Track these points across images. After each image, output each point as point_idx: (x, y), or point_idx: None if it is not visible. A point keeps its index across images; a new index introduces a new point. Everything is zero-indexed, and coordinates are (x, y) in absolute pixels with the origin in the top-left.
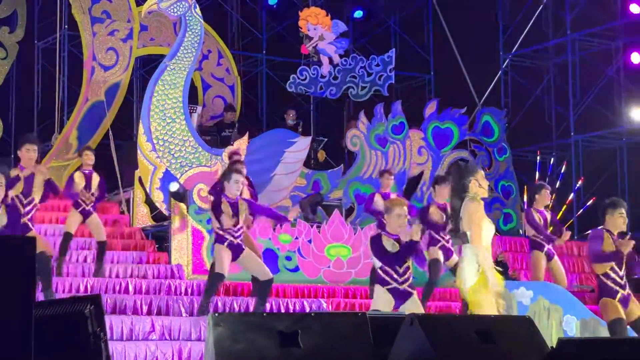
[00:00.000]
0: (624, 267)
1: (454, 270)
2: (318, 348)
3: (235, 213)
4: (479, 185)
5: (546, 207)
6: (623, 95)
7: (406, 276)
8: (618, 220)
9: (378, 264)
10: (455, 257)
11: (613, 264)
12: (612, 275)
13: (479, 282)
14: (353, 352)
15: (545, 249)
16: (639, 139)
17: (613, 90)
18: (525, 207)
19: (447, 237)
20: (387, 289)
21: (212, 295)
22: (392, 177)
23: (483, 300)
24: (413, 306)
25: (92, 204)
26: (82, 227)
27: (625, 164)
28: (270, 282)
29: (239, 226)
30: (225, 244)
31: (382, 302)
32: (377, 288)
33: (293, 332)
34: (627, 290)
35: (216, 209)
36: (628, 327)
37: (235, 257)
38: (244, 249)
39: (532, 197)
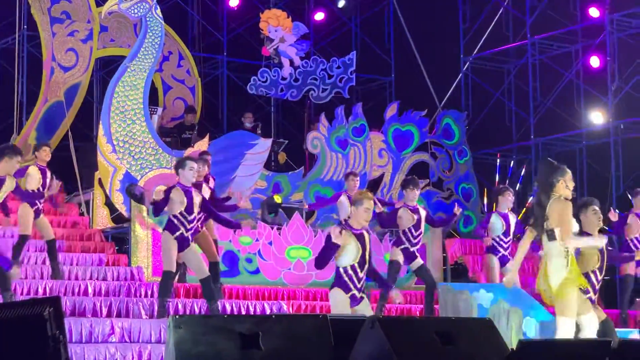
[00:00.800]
0: (603, 272)
1: (415, 272)
2: (279, 350)
3: (189, 202)
4: (565, 187)
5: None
6: (582, 98)
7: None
8: (592, 218)
9: (343, 263)
10: (419, 260)
11: (596, 266)
12: (591, 277)
13: (568, 277)
14: (314, 354)
15: (500, 254)
16: (598, 141)
17: (573, 93)
18: (486, 210)
19: (416, 240)
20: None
21: (167, 296)
22: (358, 178)
23: (569, 294)
24: (365, 309)
25: (43, 203)
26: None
27: (585, 166)
28: (208, 280)
29: (192, 217)
30: (175, 235)
31: (342, 305)
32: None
33: (254, 334)
34: (596, 295)
35: (167, 194)
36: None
37: (180, 250)
38: (189, 244)
39: (495, 200)
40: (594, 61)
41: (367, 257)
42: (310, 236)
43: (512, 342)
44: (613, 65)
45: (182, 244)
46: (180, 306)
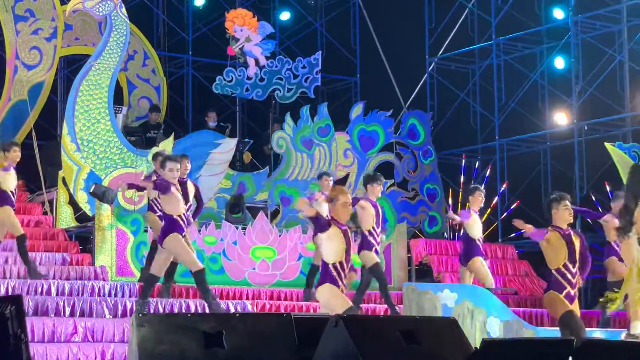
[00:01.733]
0: (577, 266)
1: (371, 269)
2: (242, 349)
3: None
4: None
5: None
6: (547, 99)
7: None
8: (564, 212)
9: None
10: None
11: (567, 260)
12: (564, 271)
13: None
14: (277, 353)
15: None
16: (562, 142)
17: (537, 95)
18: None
19: (379, 238)
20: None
21: (210, 295)
22: (331, 178)
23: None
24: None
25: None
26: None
27: (549, 167)
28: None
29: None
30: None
31: (340, 303)
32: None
33: (217, 333)
34: (575, 291)
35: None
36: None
37: None
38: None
39: (466, 199)
40: (559, 62)
41: (350, 253)
42: (275, 236)
43: (476, 342)
44: (577, 67)
45: None
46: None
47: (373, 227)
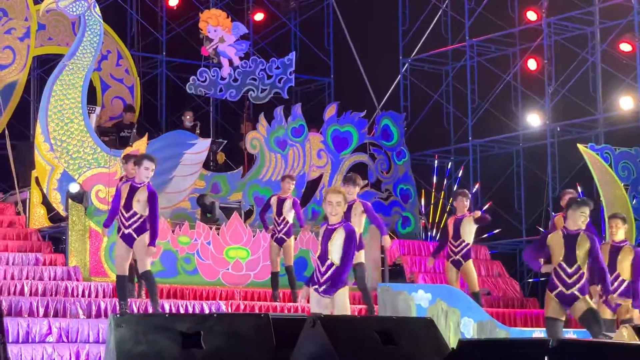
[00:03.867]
0: (575, 266)
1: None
2: (220, 349)
3: (129, 197)
4: None
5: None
6: (520, 100)
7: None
8: (579, 217)
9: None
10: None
11: (562, 260)
12: (559, 271)
13: None
14: (255, 354)
15: (452, 257)
16: (535, 144)
17: (510, 96)
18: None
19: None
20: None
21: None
22: (294, 182)
23: None
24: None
25: None
26: None
27: (522, 168)
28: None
29: (130, 213)
30: (119, 234)
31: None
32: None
33: (195, 333)
34: (572, 291)
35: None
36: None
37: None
38: (135, 239)
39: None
40: (532, 64)
41: (327, 251)
42: (249, 236)
43: (450, 342)
44: (550, 68)
45: (126, 240)
46: (118, 305)
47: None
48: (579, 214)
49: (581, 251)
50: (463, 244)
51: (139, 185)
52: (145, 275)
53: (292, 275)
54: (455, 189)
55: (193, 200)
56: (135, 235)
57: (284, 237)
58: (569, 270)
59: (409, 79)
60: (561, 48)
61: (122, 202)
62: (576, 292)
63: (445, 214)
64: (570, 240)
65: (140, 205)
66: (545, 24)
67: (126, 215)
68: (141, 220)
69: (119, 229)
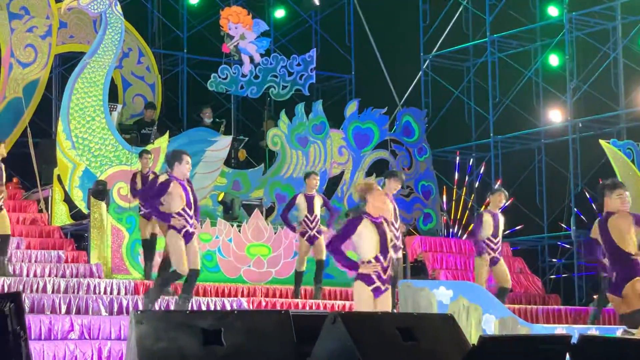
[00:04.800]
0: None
1: None
2: (241, 346)
3: (187, 195)
4: None
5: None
6: (541, 96)
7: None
8: (616, 201)
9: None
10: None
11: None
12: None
13: None
14: (276, 350)
15: (491, 255)
16: (556, 140)
17: (532, 92)
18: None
19: (397, 232)
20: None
21: (161, 292)
22: (319, 177)
23: None
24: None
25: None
26: None
27: (544, 164)
28: (197, 274)
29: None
30: (183, 232)
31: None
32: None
33: (216, 330)
34: None
35: (162, 190)
36: None
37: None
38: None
39: (484, 198)
40: (553, 60)
41: (388, 246)
42: (270, 233)
43: (471, 339)
44: (572, 64)
45: (188, 238)
46: (140, 303)
47: (391, 222)
48: (616, 196)
49: None
50: (501, 242)
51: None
52: (197, 274)
53: (321, 271)
54: (477, 185)
55: (215, 197)
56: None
57: (316, 234)
58: None
59: (430, 75)
60: (583, 43)
61: (184, 201)
62: None
63: (467, 211)
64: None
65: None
66: (566, 19)
67: (191, 214)
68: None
69: (182, 227)
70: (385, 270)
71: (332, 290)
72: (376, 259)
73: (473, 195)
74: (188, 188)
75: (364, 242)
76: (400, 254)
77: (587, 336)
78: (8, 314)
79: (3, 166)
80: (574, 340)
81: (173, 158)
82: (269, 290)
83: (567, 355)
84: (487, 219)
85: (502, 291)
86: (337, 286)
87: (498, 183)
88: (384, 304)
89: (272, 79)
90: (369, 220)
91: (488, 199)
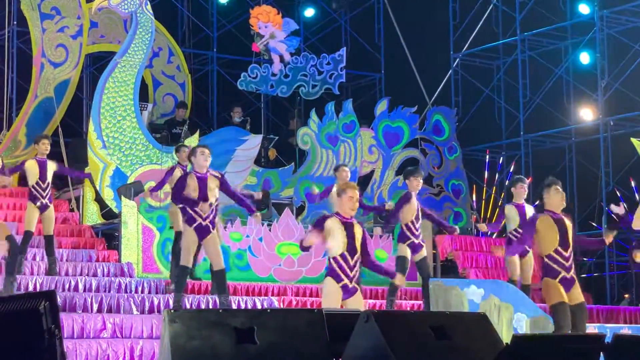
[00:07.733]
0: (570, 249)
1: (417, 262)
2: (274, 344)
3: (203, 188)
4: None
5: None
6: (572, 94)
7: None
8: (555, 197)
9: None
10: (424, 251)
11: (558, 246)
12: (556, 256)
13: None
14: (309, 349)
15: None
16: (587, 138)
17: (562, 90)
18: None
19: (418, 231)
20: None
21: (181, 292)
22: (348, 169)
23: None
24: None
25: (49, 196)
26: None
27: (574, 163)
28: (224, 272)
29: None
30: (193, 226)
31: (333, 295)
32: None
33: (249, 329)
34: (571, 274)
35: (181, 183)
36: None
37: (201, 239)
38: (211, 232)
39: (509, 191)
40: (584, 58)
41: (357, 246)
42: (300, 232)
43: (503, 338)
44: (603, 62)
45: (202, 233)
46: (171, 301)
47: (412, 222)
48: (554, 193)
49: (569, 234)
50: None
51: (206, 175)
52: (223, 272)
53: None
54: (507, 184)
55: None
56: (211, 228)
57: None
58: (566, 255)
59: (460, 73)
60: (614, 41)
61: (196, 194)
62: (572, 275)
63: (497, 209)
64: (560, 223)
65: (214, 194)
66: (597, 17)
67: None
68: (216, 210)
69: (194, 220)
70: (352, 268)
71: (363, 289)
72: (342, 256)
73: (503, 194)
74: (209, 180)
75: (333, 240)
76: (424, 252)
77: (621, 335)
78: (43, 312)
79: (48, 162)
80: (607, 339)
81: (191, 154)
82: (300, 289)
83: (601, 355)
84: (510, 211)
85: (523, 289)
86: (367, 285)
87: (528, 181)
88: (355, 303)
89: (302, 78)
90: (337, 219)
91: (511, 191)
